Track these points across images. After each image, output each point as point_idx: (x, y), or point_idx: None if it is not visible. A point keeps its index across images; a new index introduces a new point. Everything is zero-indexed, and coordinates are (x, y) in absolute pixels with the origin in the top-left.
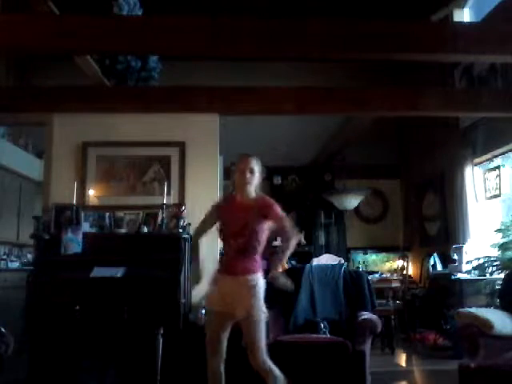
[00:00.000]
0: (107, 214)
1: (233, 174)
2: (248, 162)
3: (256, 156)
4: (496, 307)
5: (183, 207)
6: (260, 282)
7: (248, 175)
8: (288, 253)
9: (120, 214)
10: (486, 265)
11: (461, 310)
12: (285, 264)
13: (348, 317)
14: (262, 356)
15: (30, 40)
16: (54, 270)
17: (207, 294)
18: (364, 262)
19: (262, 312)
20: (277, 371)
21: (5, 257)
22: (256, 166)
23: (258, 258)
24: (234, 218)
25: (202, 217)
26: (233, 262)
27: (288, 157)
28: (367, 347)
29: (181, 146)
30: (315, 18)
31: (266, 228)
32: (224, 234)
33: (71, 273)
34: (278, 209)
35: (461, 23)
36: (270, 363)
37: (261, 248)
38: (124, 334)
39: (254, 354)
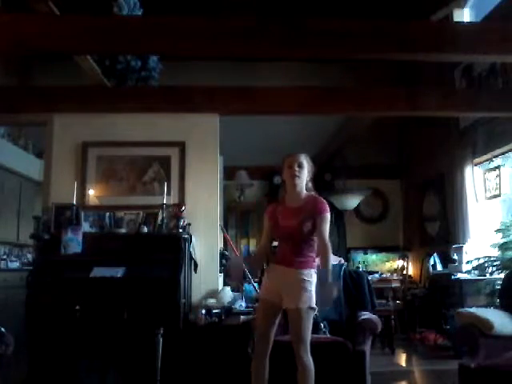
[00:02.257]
0: (107, 214)
1: (281, 171)
2: (296, 157)
3: (305, 153)
4: (496, 307)
5: (183, 207)
6: (313, 277)
7: (296, 168)
8: (329, 267)
9: (120, 213)
10: (486, 265)
11: (461, 309)
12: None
13: (348, 317)
14: (303, 351)
15: (30, 40)
16: (54, 270)
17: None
18: (364, 262)
19: (310, 308)
20: (312, 372)
21: (5, 257)
22: (305, 161)
23: (313, 254)
24: (286, 220)
25: (203, 217)
26: (289, 255)
27: None
28: (367, 347)
29: (181, 146)
30: (313, 17)
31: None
32: (277, 235)
33: (71, 273)
34: (325, 218)
35: (461, 23)
36: (308, 361)
37: (315, 243)
38: (124, 334)
39: (297, 347)
